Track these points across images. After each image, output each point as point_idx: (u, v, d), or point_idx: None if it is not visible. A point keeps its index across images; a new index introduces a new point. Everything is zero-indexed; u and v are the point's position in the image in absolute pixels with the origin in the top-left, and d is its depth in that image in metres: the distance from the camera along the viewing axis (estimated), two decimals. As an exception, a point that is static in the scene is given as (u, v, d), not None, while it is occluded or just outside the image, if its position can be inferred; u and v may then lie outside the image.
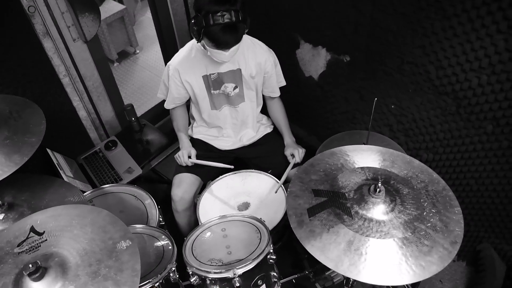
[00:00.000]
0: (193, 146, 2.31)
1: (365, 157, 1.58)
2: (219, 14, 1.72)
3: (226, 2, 1.73)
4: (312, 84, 2.53)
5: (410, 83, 2.00)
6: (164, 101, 2.30)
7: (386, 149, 1.60)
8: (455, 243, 1.27)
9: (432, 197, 1.40)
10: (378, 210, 1.35)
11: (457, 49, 1.72)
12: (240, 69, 2.09)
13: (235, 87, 2.15)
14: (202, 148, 2.34)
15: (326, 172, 1.53)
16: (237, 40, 1.84)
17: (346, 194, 1.43)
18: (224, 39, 1.80)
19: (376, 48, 2.04)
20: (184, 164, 2.20)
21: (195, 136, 2.39)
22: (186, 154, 2.20)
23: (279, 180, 2.12)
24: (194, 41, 2.08)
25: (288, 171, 2.15)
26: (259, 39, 2.17)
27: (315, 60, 2.41)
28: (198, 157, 2.23)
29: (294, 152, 2.22)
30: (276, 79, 2.25)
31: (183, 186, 2.18)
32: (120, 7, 4.15)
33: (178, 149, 2.32)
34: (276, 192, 2.08)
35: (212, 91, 2.14)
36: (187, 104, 2.37)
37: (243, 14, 1.77)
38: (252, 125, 2.33)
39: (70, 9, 2.25)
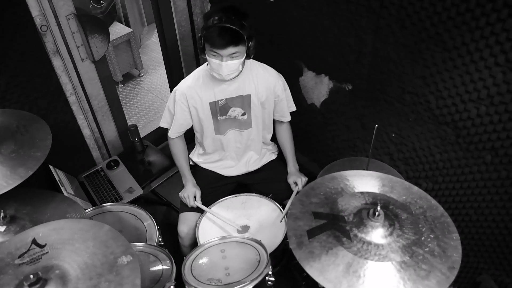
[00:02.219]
0: (197, 173, 2.33)
1: (364, 182, 1.60)
2: (219, 17, 1.81)
3: (229, 11, 1.82)
4: (314, 111, 2.57)
5: (411, 112, 2.03)
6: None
7: (386, 175, 1.62)
8: (453, 268, 1.27)
9: (430, 222, 1.41)
10: (376, 233, 1.36)
11: (457, 80, 1.77)
12: (249, 95, 2.11)
13: (243, 114, 2.17)
14: (206, 178, 2.34)
15: (326, 196, 1.55)
16: (232, 41, 1.84)
17: (346, 217, 1.44)
18: (219, 38, 1.83)
19: (378, 77, 2.09)
20: (189, 206, 2.21)
21: (200, 165, 2.39)
22: (191, 196, 2.20)
23: (280, 205, 2.13)
24: (201, 69, 2.13)
25: (291, 200, 2.15)
26: (264, 66, 2.21)
27: (317, 88, 2.45)
28: (203, 192, 2.25)
29: (297, 181, 2.23)
30: (286, 104, 2.27)
31: (188, 223, 2.19)
32: (127, 30, 4.26)
33: (179, 172, 2.34)
34: (281, 221, 2.06)
35: (218, 117, 2.15)
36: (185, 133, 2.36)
37: (246, 29, 1.83)
38: (256, 149, 2.33)
39: (80, 30, 2.32)
